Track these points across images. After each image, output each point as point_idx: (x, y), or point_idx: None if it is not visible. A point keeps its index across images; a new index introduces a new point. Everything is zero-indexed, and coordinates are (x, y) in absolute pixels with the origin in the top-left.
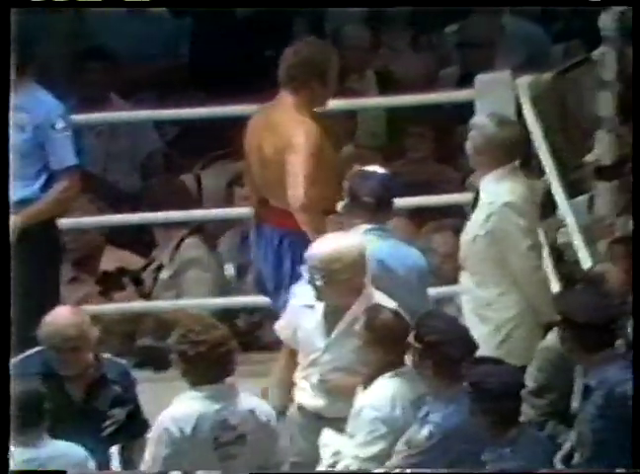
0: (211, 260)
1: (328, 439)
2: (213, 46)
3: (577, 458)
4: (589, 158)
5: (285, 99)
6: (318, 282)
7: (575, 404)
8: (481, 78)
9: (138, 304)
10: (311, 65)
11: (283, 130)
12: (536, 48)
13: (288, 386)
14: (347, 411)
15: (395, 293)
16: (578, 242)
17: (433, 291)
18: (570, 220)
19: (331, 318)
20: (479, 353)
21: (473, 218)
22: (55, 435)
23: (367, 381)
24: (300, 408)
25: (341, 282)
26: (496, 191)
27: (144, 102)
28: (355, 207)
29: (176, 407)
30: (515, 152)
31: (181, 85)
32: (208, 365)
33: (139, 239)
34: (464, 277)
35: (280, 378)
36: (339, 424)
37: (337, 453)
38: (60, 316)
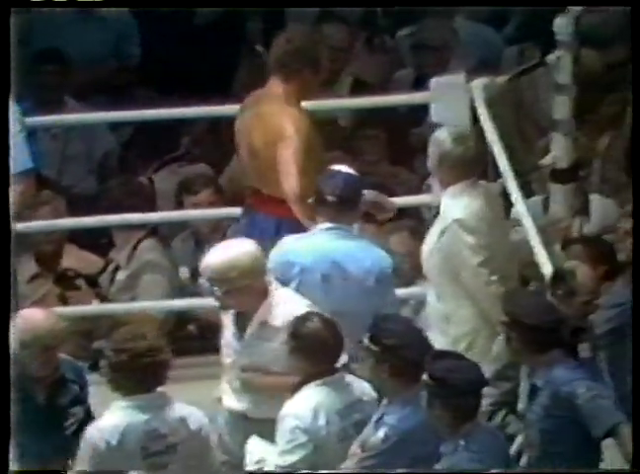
0: (167, 262)
1: (253, 447)
2: (163, 47)
3: (524, 459)
4: (545, 161)
5: (276, 88)
6: (218, 293)
7: (521, 405)
8: (436, 81)
9: (95, 307)
10: (304, 53)
11: (274, 121)
12: (490, 51)
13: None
14: (271, 411)
15: (349, 294)
16: (535, 242)
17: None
18: (527, 221)
19: (241, 323)
20: None
21: (431, 231)
22: (20, 434)
23: (296, 388)
24: (228, 410)
25: (241, 290)
26: (450, 206)
27: (99, 104)
28: (318, 206)
29: (104, 418)
30: (472, 168)
31: (133, 86)
32: (132, 375)
33: (98, 240)
34: (429, 288)
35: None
36: (266, 424)
37: (260, 461)
38: (37, 319)
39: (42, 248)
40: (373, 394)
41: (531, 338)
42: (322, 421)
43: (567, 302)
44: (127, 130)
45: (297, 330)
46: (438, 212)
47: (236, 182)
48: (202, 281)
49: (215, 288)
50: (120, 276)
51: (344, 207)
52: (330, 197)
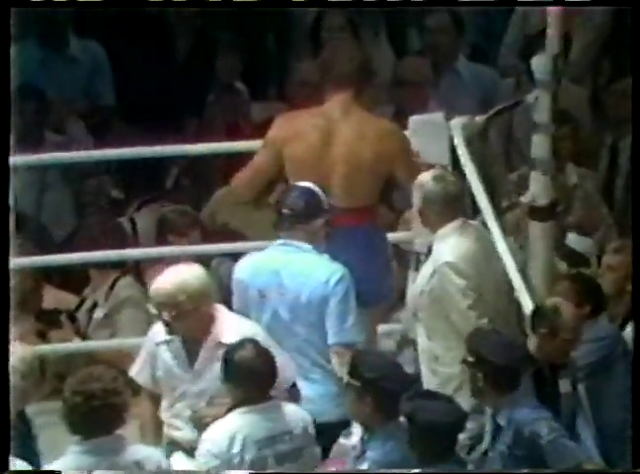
0: (145, 299)
1: (177, 463)
2: (136, 83)
3: None
4: (523, 198)
5: (348, 101)
6: (167, 318)
7: (484, 445)
8: (415, 119)
9: (73, 344)
10: (367, 65)
11: (385, 137)
12: (490, 92)
13: (156, 427)
14: None
15: (285, 309)
16: (515, 279)
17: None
18: (508, 260)
19: (191, 349)
20: None
21: (421, 272)
22: None
23: (225, 414)
24: (174, 443)
25: (189, 313)
26: (440, 248)
27: (78, 137)
28: (277, 219)
29: (57, 463)
30: (456, 206)
31: (109, 123)
32: (87, 417)
33: (71, 278)
34: (419, 328)
35: (144, 424)
36: None
37: None
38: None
39: (23, 286)
40: (310, 426)
41: (496, 377)
42: (236, 448)
43: (549, 340)
44: (108, 167)
45: (230, 357)
46: (428, 253)
47: (214, 218)
48: (150, 307)
49: (164, 313)
50: (99, 313)
51: (298, 221)
52: (285, 211)
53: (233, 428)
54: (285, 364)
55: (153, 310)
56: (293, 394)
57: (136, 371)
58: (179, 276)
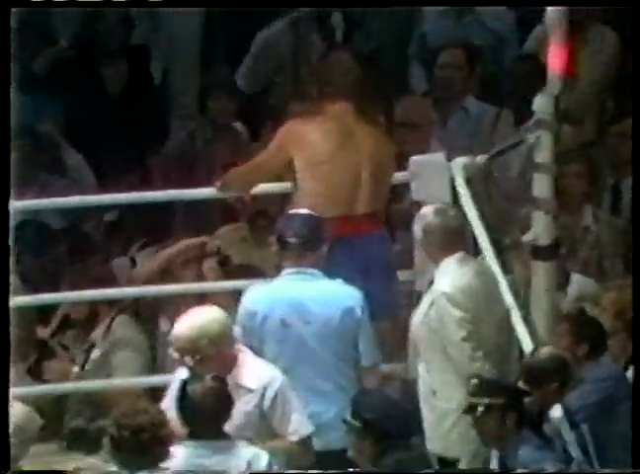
0: (142, 338)
1: None
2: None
3: None
4: (525, 237)
5: (351, 111)
6: (190, 362)
7: None
8: (415, 160)
9: (69, 385)
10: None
11: (389, 143)
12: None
13: None
14: None
15: (311, 338)
16: (516, 319)
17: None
18: (507, 298)
19: None
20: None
21: (421, 304)
22: None
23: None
24: None
25: (212, 357)
26: (440, 279)
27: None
28: (282, 250)
29: None
30: (456, 239)
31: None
32: (136, 451)
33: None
34: (420, 361)
35: None
36: None
37: None
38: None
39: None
40: (262, 465)
41: (504, 418)
42: None
43: (537, 389)
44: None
45: (184, 388)
46: (429, 285)
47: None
48: (171, 352)
49: (187, 358)
50: (96, 353)
51: (306, 249)
52: (292, 240)
53: (178, 462)
54: (299, 417)
55: (175, 355)
56: (305, 447)
57: (166, 406)
58: (199, 321)
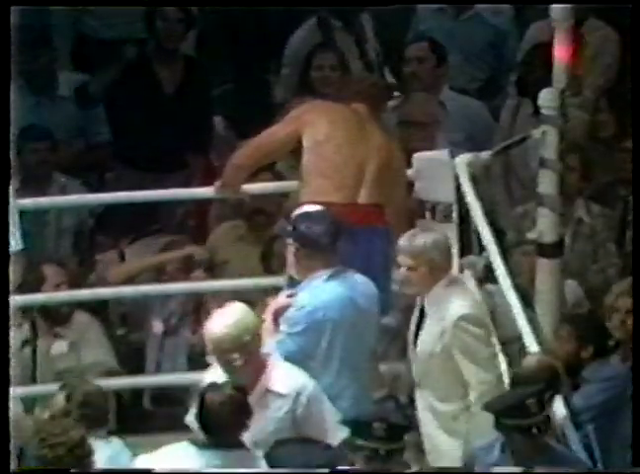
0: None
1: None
2: (130, 121)
3: None
4: (530, 235)
5: (363, 111)
6: (238, 363)
7: None
8: (419, 157)
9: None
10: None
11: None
12: (477, 124)
13: None
14: None
15: (365, 328)
16: (520, 318)
17: None
18: (511, 297)
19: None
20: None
21: (424, 335)
22: None
23: None
24: None
25: (254, 355)
26: (445, 306)
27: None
28: (313, 252)
29: None
30: (446, 259)
31: (105, 164)
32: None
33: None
34: (422, 395)
35: None
36: None
37: None
38: None
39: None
40: None
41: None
42: None
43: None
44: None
45: (202, 397)
46: (421, 315)
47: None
48: (210, 359)
49: (235, 356)
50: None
51: (334, 247)
52: (324, 240)
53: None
54: (334, 421)
55: (214, 362)
56: (334, 453)
57: (190, 420)
58: (234, 317)
